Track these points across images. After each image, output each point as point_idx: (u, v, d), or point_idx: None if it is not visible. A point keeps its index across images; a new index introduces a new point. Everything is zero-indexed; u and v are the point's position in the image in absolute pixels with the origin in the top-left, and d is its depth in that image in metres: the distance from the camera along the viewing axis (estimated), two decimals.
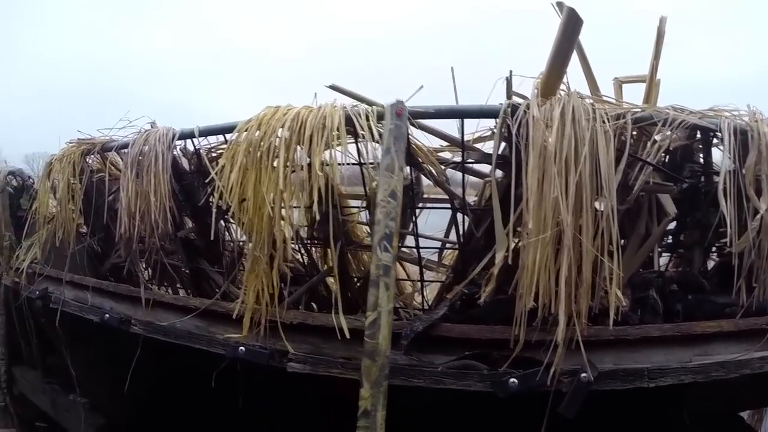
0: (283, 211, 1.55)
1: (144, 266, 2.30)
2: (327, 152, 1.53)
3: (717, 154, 1.92)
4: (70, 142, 2.40)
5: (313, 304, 2.05)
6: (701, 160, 1.98)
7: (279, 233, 1.50)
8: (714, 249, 2.05)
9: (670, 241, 2.12)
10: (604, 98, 1.75)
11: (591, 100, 1.61)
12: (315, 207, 1.42)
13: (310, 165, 1.49)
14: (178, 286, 2.37)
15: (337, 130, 1.48)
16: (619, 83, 1.94)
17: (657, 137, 1.71)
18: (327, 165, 1.50)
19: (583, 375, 1.42)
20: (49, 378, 3.28)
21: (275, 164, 1.52)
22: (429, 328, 1.46)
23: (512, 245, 1.46)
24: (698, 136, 1.89)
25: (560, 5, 1.66)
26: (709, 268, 2.06)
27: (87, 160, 2.38)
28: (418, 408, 1.61)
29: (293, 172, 1.53)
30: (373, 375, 1.25)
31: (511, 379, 1.40)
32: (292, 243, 1.63)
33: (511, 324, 1.46)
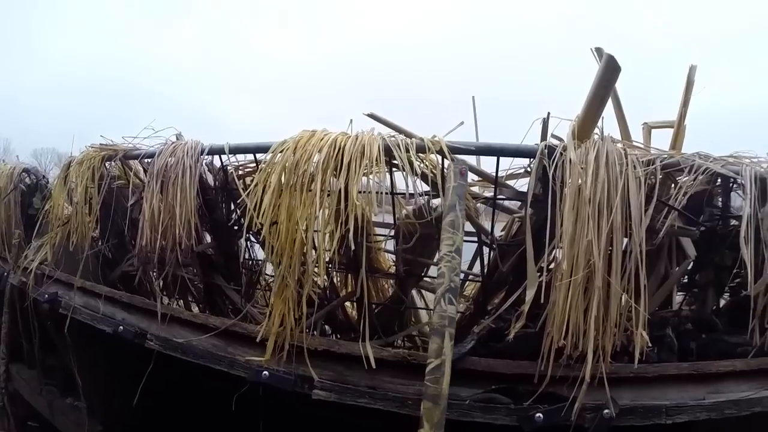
0: (313, 236, 1.55)
1: (156, 277, 2.28)
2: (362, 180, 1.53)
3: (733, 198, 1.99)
4: (92, 146, 2.37)
5: (327, 327, 2.05)
6: (719, 205, 2.03)
7: (310, 259, 1.50)
8: (726, 290, 2.09)
9: (685, 280, 2.16)
10: (635, 143, 1.79)
11: (622, 145, 1.64)
12: (350, 236, 1.43)
13: (347, 192, 1.49)
14: (190, 300, 2.35)
15: (376, 160, 1.49)
16: (648, 128, 1.98)
17: (680, 180, 1.75)
18: (364, 193, 1.51)
19: (606, 411, 1.46)
20: (48, 379, 3.24)
21: (310, 189, 1.52)
22: (456, 361, 1.46)
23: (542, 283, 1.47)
24: (718, 181, 1.93)
25: (599, 51, 1.69)
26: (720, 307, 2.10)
27: (107, 165, 2.36)
28: None
29: (328, 196, 1.53)
30: (435, 417, 1.28)
31: (537, 414, 1.42)
32: (317, 267, 1.63)
33: (535, 359, 1.49)
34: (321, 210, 1.50)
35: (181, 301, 2.37)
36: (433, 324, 1.37)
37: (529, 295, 1.44)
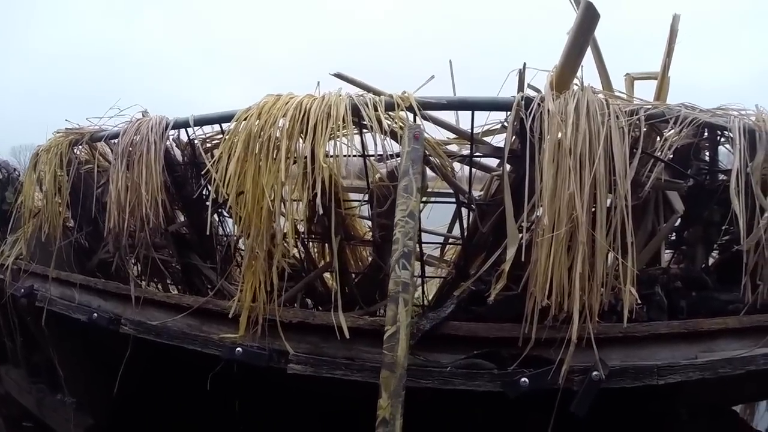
0: (282, 204, 1.49)
1: (133, 262, 2.22)
2: (330, 143, 1.46)
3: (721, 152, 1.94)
4: (58, 132, 2.29)
5: (309, 301, 1.99)
6: (707, 158, 1.98)
7: (278, 228, 1.44)
8: (715, 246, 2.04)
9: (673, 237, 2.11)
10: (617, 93, 1.72)
11: (604, 95, 1.58)
12: (318, 201, 1.36)
13: (313, 156, 1.42)
14: (168, 282, 2.28)
15: (343, 120, 1.42)
16: (630, 79, 1.91)
17: (666, 134, 1.69)
18: (330, 156, 1.44)
19: (595, 373, 1.41)
20: (35, 377, 3.18)
21: (276, 155, 1.45)
22: (436, 326, 1.40)
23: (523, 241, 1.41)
24: (705, 134, 1.88)
25: None
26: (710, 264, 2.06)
27: (75, 150, 2.28)
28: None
29: (294, 163, 1.46)
30: (392, 385, 1.24)
31: (522, 379, 1.37)
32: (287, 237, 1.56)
33: (518, 321, 1.44)
34: (288, 176, 1.42)
35: (160, 284, 2.30)
36: (390, 290, 1.32)
37: (510, 253, 1.37)
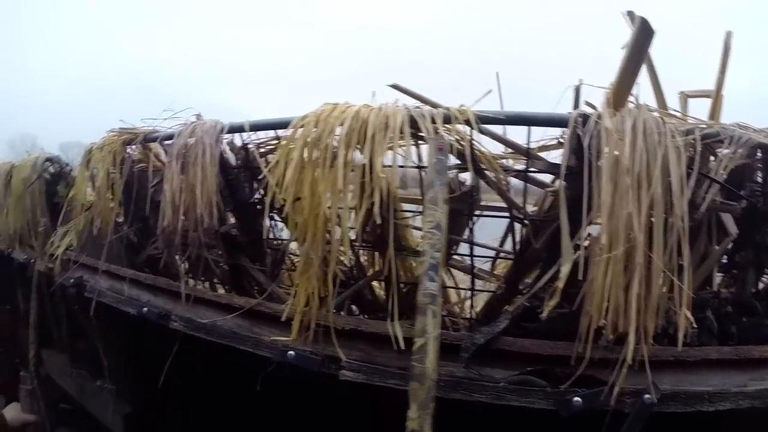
0: (338, 212, 1.51)
1: (181, 260, 2.27)
2: (387, 154, 1.48)
3: None
4: (112, 131, 2.37)
5: (354, 307, 2.01)
6: (760, 179, 1.93)
7: (334, 235, 1.46)
8: (766, 271, 1.99)
9: (724, 260, 2.07)
10: (671, 112, 1.70)
11: (659, 114, 1.56)
12: (376, 210, 1.38)
13: (371, 166, 1.44)
14: (215, 281, 2.33)
15: (401, 131, 1.43)
16: (685, 97, 1.89)
17: (720, 154, 1.67)
18: (388, 167, 1.46)
19: (647, 396, 1.38)
20: (78, 363, 3.29)
21: (333, 163, 1.48)
22: (490, 341, 1.41)
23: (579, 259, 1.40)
24: (759, 155, 1.84)
25: (631, 15, 1.61)
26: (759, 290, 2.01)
27: (128, 150, 2.36)
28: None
29: (352, 172, 1.48)
30: (420, 397, 1.24)
31: (576, 398, 1.35)
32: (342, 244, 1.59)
33: (568, 340, 1.43)
34: (344, 184, 1.45)
35: (207, 283, 2.36)
36: (418, 302, 1.33)
37: (564, 271, 1.37)
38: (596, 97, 1.58)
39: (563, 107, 1.58)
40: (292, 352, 1.54)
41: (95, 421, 3.37)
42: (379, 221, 1.39)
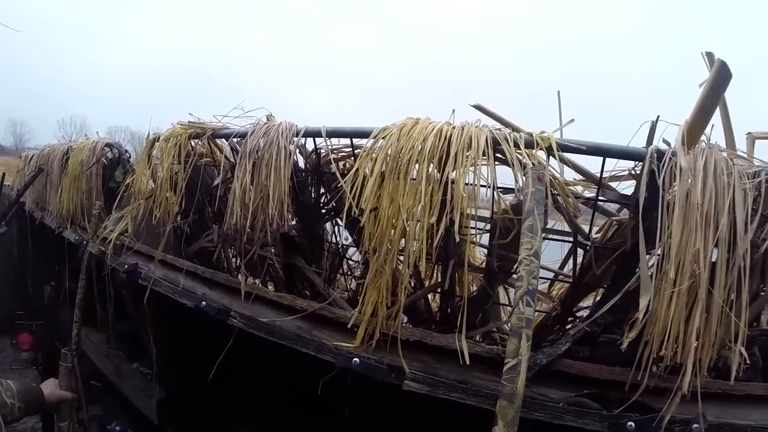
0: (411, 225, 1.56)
1: (237, 256, 2.33)
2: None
3: None
4: (179, 123, 2.43)
5: (405, 317, 2.06)
6: None
7: (410, 248, 1.52)
8: None
9: None
10: (739, 153, 1.74)
11: (728, 155, 1.61)
12: (456, 229, 1.43)
13: (452, 183, 1.50)
14: (267, 279, 2.39)
15: (484, 153, 1.49)
16: (752, 139, 1.92)
17: None
18: (470, 185, 1.51)
19: (696, 426, 1.43)
20: (116, 344, 3.39)
21: (414, 177, 1.53)
22: (552, 362, 1.46)
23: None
24: None
25: (710, 56, 1.65)
26: None
27: (192, 143, 2.43)
28: None
29: (430, 187, 1.54)
30: (509, 415, 1.27)
31: (629, 423, 1.40)
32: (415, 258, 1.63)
33: (624, 366, 1.48)
34: (424, 200, 1.50)
35: (258, 281, 2.42)
36: (512, 325, 1.38)
37: (643, 303, 1.42)
38: (666, 131, 1.63)
39: (625, 138, 1.64)
40: (357, 359, 1.57)
41: (125, 400, 3.46)
42: (458, 239, 1.45)
